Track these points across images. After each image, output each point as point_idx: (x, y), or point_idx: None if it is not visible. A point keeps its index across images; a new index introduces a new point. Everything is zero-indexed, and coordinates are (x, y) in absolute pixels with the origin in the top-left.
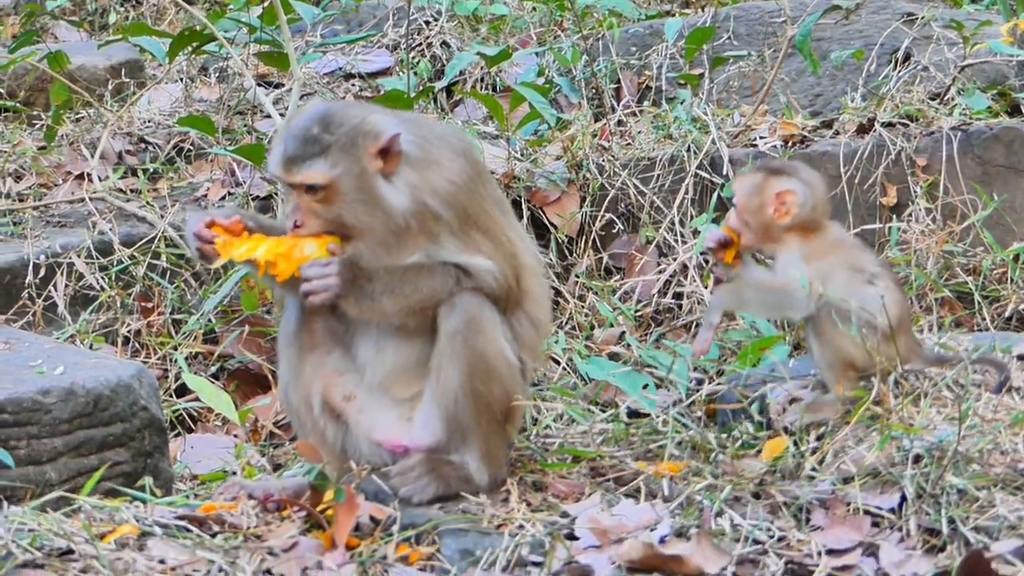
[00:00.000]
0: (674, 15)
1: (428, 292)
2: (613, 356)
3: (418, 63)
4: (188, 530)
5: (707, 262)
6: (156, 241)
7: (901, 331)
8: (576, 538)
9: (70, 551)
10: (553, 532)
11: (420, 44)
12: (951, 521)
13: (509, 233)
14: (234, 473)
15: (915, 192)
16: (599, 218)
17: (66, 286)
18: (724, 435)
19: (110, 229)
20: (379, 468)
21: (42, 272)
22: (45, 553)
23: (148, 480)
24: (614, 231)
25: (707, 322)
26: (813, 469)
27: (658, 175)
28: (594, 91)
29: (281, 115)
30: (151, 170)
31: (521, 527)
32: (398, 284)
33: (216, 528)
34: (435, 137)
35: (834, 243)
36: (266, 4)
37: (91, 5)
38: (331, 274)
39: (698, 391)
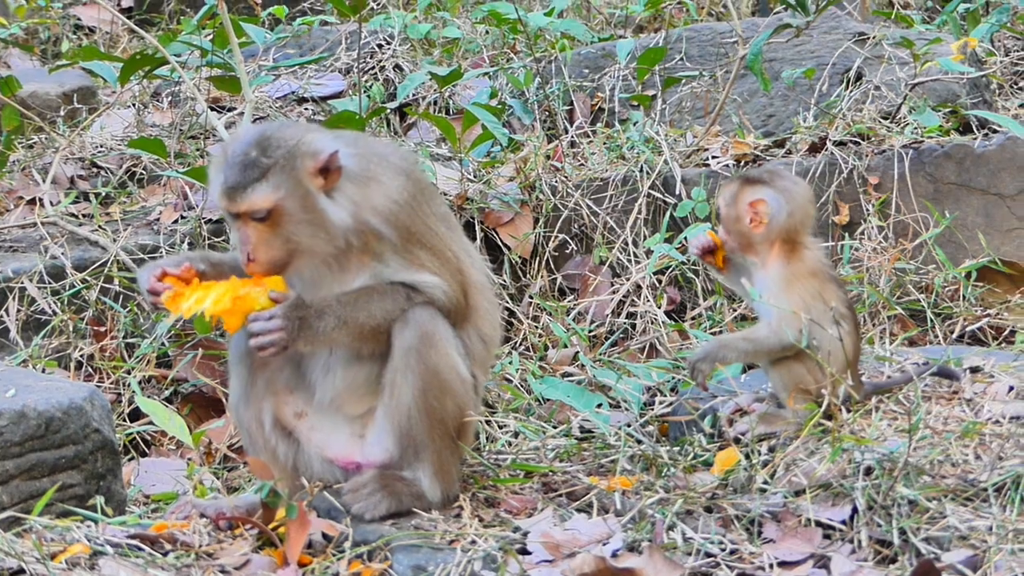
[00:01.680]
0: (625, 37)
1: (381, 316)
2: (567, 376)
3: (371, 86)
4: (140, 549)
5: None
6: (108, 265)
7: (851, 369)
8: (529, 553)
9: (21, 571)
10: (506, 547)
11: (373, 67)
12: (902, 532)
13: (455, 248)
14: (186, 493)
15: (867, 210)
16: (552, 239)
17: (18, 311)
18: (676, 449)
19: (62, 253)
20: (331, 485)
21: None
22: None
23: (100, 500)
24: (567, 251)
25: (699, 373)
26: (765, 482)
27: (611, 195)
28: (547, 113)
29: None
30: (103, 194)
31: (473, 542)
32: (351, 313)
33: (168, 547)
34: (374, 155)
35: (813, 271)
36: (217, 27)
37: (44, 34)
38: (275, 328)
39: (651, 409)
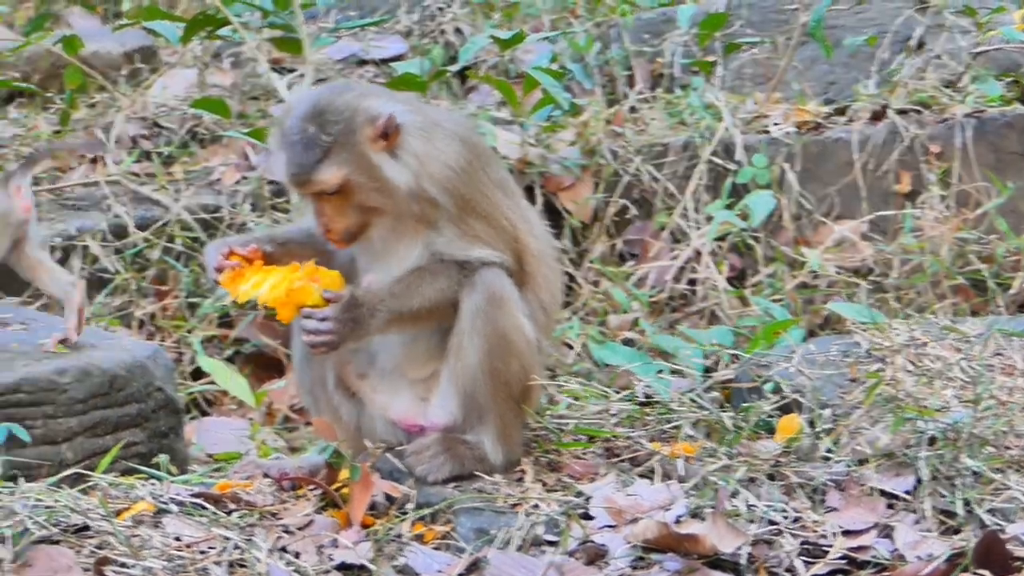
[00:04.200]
0: (687, 2)
1: (437, 297)
2: (627, 342)
3: (431, 49)
4: (204, 508)
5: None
6: (171, 224)
7: None
8: (591, 518)
9: (86, 527)
10: (568, 511)
11: (433, 30)
12: (966, 503)
13: (512, 216)
14: (249, 453)
15: (928, 179)
16: (613, 204)
17: (81, 269)
18: (739, 416)
19: (125, 212)
20: (394, 447)
21: (58, 255)
22: (61, 529)
23: (163, 459)
24: (628, 217)
25: None
26: (828, 450)
27: (672, 161)
28: (607, 78)
29: None
30: (165, 154)
31: (536, 506)
32: (404, 303)
33: (232, 506)
34: (430, 122)
35: None
36: None
37: None
38: (326, 329)
39: (712, 376)
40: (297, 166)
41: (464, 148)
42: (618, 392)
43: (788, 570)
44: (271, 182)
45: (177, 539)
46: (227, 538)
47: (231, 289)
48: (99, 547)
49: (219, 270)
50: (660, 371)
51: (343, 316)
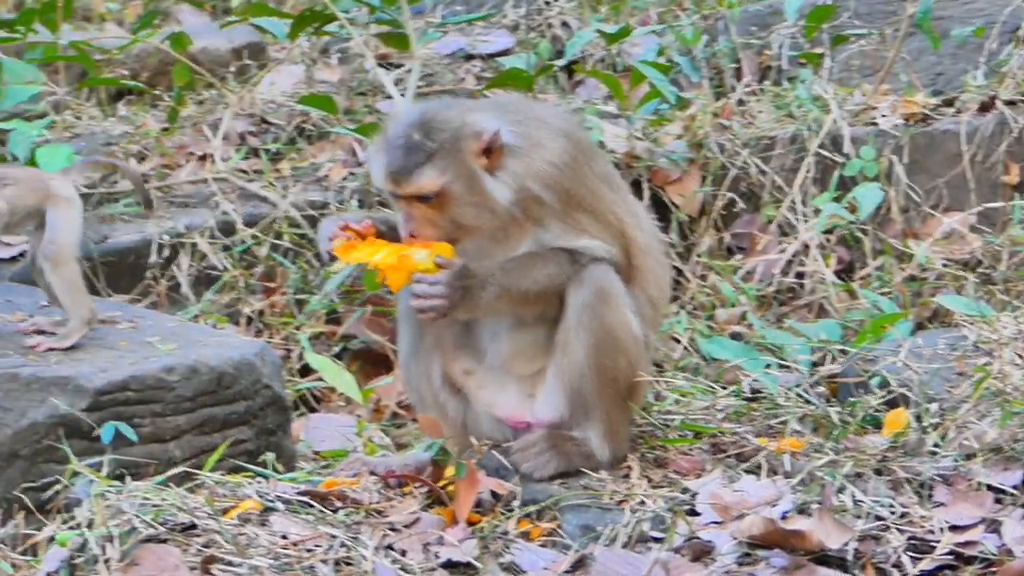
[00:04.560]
0: None
1: (545, 282)
2: (735, 336)
3: (538, 43)
4: (310, 505)
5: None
6: (278, 221)
7: None
8: (697, 514)
9: (193, 526)
10: (674, 508)
11: (540, 24)
12: None
13: (618, 210)
14: (356, 450)
15: None
16: (720, 197)
17: (189, 266)
18: (846, 411)
19: (233, 209)
20: (500, 444)
21: (166, 252)
22: (168, 528)
23: (270, 457)
24: (735, 210)
25: None
26: (935, 445)
27: (779, 154)
28: (714, 70)
29: (402, 95)
30: (273, 150)
31: (642, 503)
32: (514, 281)
33: (338, 504)
34: (534, 119)
35: None
36: None
37: None
38: (437, 293)
39: (819, 370)
40: (398, 168)
41: (568, 144)
42: (725, 387)
43: (895, 566)
44: None
45: (283, 537)
46: (333, 536)
47: (343, 256)
48: (206, 545)
49: (332, 239)
50: (767, 366)
51: (454, 282)
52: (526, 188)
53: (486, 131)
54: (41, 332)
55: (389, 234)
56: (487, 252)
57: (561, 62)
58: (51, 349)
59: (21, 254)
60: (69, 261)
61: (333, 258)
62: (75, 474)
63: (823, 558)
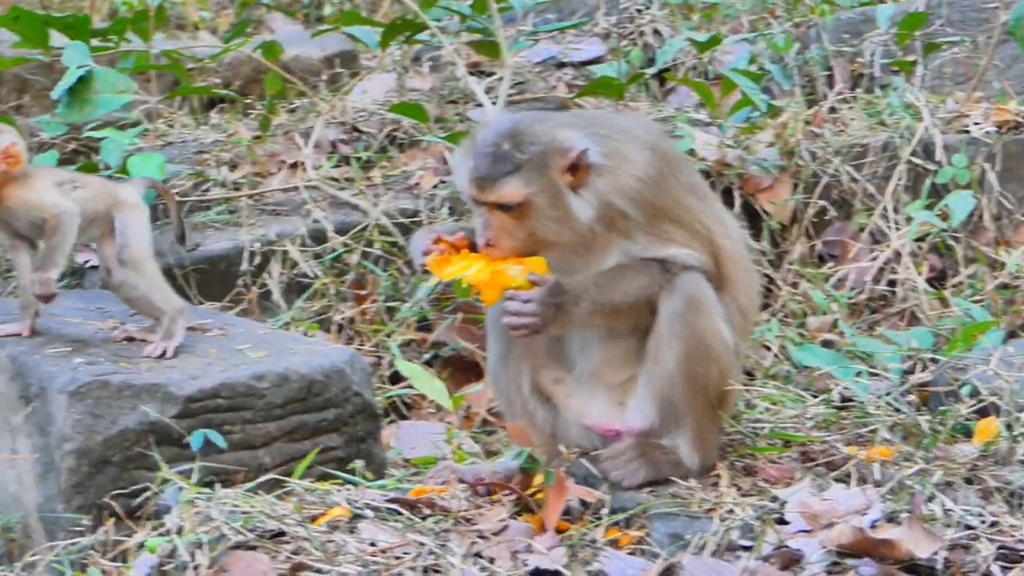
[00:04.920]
0: (886, 1)
1: (637, 293)
2: (826, 343)
3: (630, 51)
4: (399, 513)
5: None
6: (369, 229)
7: None
8: (786, 522)
9: (282, 533)
10: (763, 516)
11: (632, 32)
12: None
13: (706, 220)
14: (445, 458)
15: None
16: (812, 205)
17: (281, 274)
18: (936, 419)
19: (324, 217)
20: (589, 452)
21: (257, 260)
22: (257, 535)
23: (359, 464)
24: (827, 218)
25: None
26: None
27: (871, 161)
28: (806, 78)
29: (493, 103)
30: (364, 159)
31: (731, 511)
32: (607, 295)
33: (427, 511)
34: (619, 133)
35: None
36: None
37: None
38: (530, 311)
39: (910, 378)
40: (484, 174)
41: (654, 157)
42: (815, 395)
43: (984, 575)
44: None
45: (372, 544)
46: (422, 543)
47: (437, 272)
48: (295, 553)
49: (426, 254)
50: (858, 374)
51: (547, 300)
52: (610, 204)
53: (574, 149)
54: (131, 339)
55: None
56: (570, 264)
57: (652, 70)
58: (163, 352)
59: None
60: (147, 260)
61: (427, 272)
62: (165, 481)
63: (912, 567)
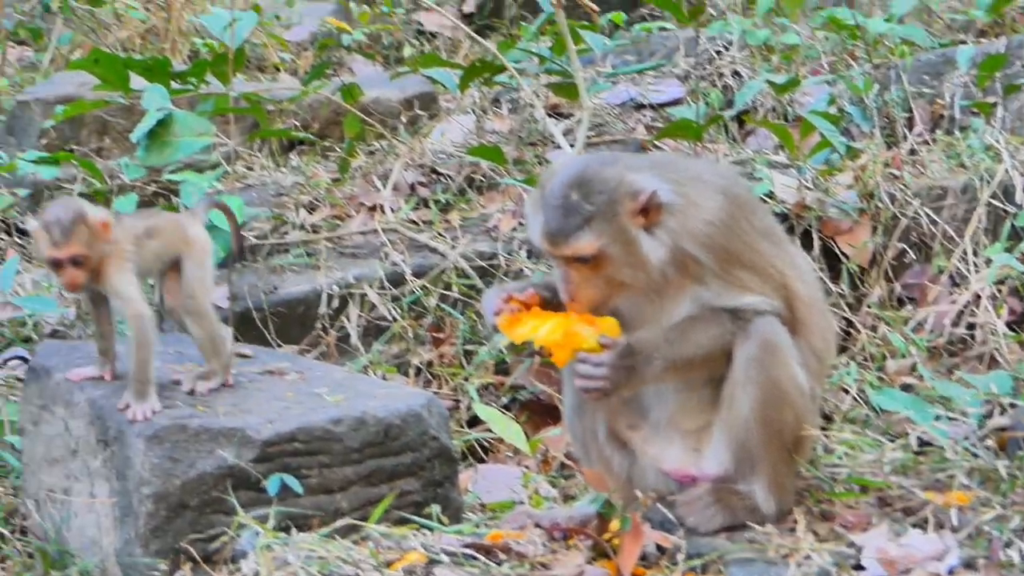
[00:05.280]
0: (967, 43)
1: (709, 345)
2: (905, 387)
3: (709, 93)
4: (475, 558)
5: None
6: (447, 272)
7: None
8: (863, 568)
9: None
10: (840, 562)
11: (711, 74)
12: None
13: (779, 264)
14: (522, 502)
15: None
16: (891, 247)
17: (359, 316)
18: (1014, 464)
19: (402, 260)
20: (665, 497)
21: (335, 303)
22: None
23: (436, 508)
24: (906, 261)
25: None
26: None
27: (950, 204)
28: (886, 119)
29: (571, 145)
30: (442, 201)
31: (807, 557)
32: (678, 350)
33: (503, 556)
34: (691, 178)
35: None
36: (556, 35)
37: (386, 39)
38: (600, 375)
39: (989, 422)
40: (556, 229)
41: (726, 201)
42: (893, 439)
43: None
44: None
45: None
46: None
47: (508, 332)
48: None
49: (497, 314)
50: (937, 418)
51: (618, 362)
52: (681, 248)
53: (643, 191)
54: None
55: (554, 300)
56: (642, 311)
57: (731, 112)
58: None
59: None
60: (208, 313)
61: (495, 330)
62: (241, 526)
63: None
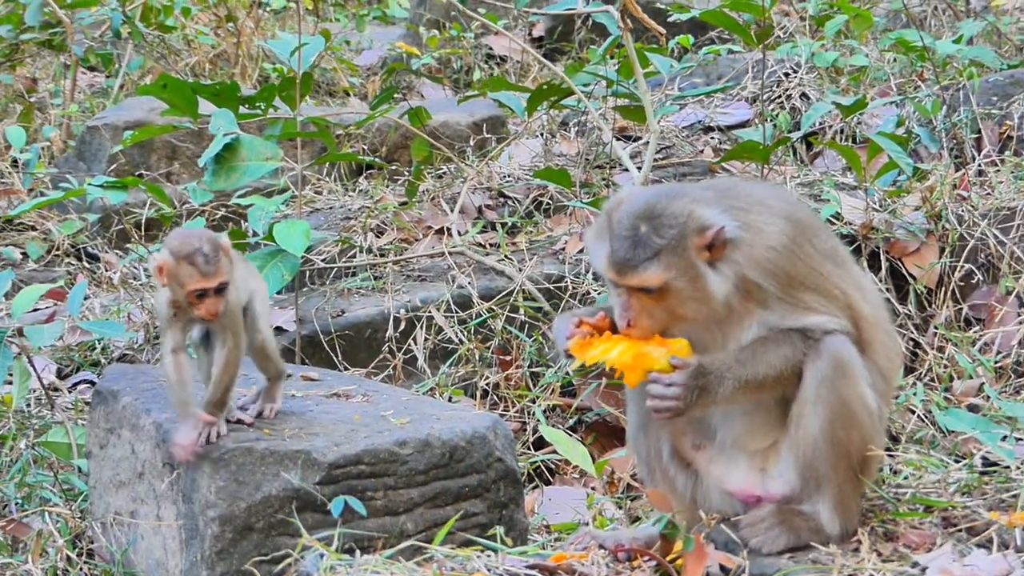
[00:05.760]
0: None
1: (781, 365)
2: (972, 408)
3: (777, 115)
4: None
5: None
6: (514, 294)
7: None
8: None
9: None
10: None
11: (779, 96)
12: None
13: (843, 286)
14: (586, 523)
15: None
16: (959, 268)
17: (426, 339)
18: None
19: (469, 283)
20: (729, 518)
21: (402, 326)
22: None
23: (500, 530)
24: (973, 281)
25: None
26: None
27: (1018, 225)
28: (954, 141)
29: (639, 168)
30: (510, 224)
31: None
32: (750, 371)
33: None
34: (754, 204)
35: None
36: (623, 58)
37: (456, 63)
38: (673, 395)
39: None
40: (623, 260)
41: (788, 226)
42: (958, 460)
43: None
44: None
45: None
46: None
47: (580, 355)
48: None
49: (569, 338)
50: (1003, 438)
51: (690, 383)
52: (745, 277)
53: (712, 227)
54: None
55: None
56: (706, 338)
57: (798, 134)
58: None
59: None
60: (273, 353)
61: (570, 356)
62: (306, 548)
63: None
